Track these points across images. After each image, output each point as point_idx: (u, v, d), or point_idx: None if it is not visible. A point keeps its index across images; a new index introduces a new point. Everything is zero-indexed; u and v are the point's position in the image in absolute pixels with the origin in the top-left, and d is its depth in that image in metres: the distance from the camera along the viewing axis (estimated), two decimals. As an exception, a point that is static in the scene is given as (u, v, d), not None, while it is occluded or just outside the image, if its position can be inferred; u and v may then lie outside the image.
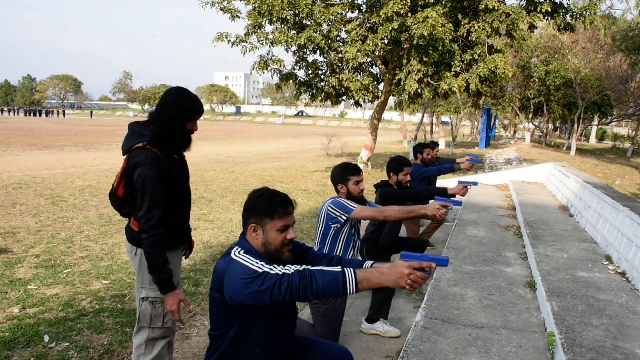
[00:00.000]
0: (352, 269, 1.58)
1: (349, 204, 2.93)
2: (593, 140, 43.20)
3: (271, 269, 1.60)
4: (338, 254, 2.98)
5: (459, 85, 10.35)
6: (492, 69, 10.01)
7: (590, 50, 21.24)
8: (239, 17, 11.47)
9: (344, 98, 12.78)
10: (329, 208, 2.96)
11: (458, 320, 3.11)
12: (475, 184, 3.88)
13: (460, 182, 3.76)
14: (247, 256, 1.68)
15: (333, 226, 2.96)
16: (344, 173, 3.05)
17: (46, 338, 3.04)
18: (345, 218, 2.92)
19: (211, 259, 4.90)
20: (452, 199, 3.19)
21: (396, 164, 3.79)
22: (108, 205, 7.34)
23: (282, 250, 1.78)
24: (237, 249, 1.74)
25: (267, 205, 1.76)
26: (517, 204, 7.36)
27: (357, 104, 12.56)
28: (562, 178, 8.21)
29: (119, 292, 3.86)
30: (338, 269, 1.58)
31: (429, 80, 10.83)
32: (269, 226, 1.75)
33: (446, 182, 9.65)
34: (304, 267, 1.60)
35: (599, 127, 42.67)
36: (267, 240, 1.76)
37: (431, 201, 3.18)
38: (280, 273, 1.58)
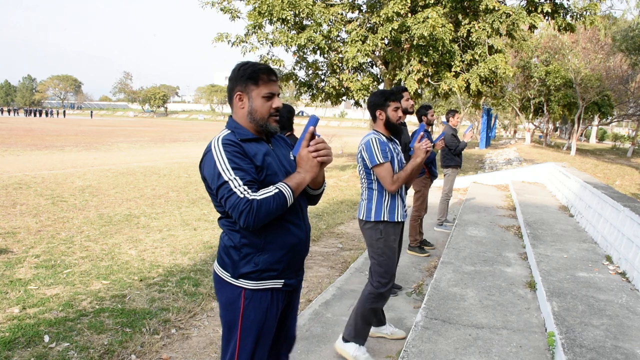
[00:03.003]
0: (287, 185, 1.69)
1: (377, 154, 2.84)
2: (593, 140, 43.21)
3: (231, 179, 1.64)
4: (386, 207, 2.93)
5: (459, 85, 10.35)
6: (493, 69, 10.01)
7: (590, 50, 21.24)
8: (239, 17, 11.48)
9: (344, 98, 12.77)
10: (362, 149, 2.92)
11: (458, 320, 3.11)
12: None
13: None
14: (223, 149, 1.68)
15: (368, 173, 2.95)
16: (384, 98, 2.91)
17: (46, 338, 3.03)
18: (368, 165, 2.88)
19: (211, 259, 4.90)
20: (416, 134, 3.08)
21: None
22: (108, 205, 7.35)
23: (268, 119, 1.78)
24: (221, 134, 1.76)
25: (251, 71, 1.75)
26: (517, 204, 7.36)
27: (357, 104, 12.56)
28: (562, 178, 8.21)
29: (119, 292, 3.86)
30: (275, 190, 1.66)
31: (429, 80, 10.84)
32: (254, 93, 1.76)
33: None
34: (253, 197, 1.62)
35: (599, 127, 42.69)
36: (252, 107, 1.76)
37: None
38: (234, 191, 1.63)
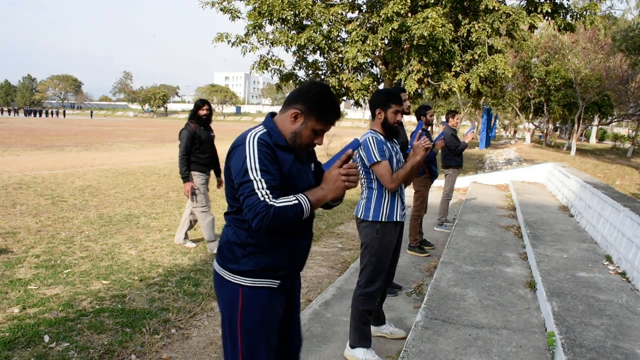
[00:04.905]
0: (307, 199, 1.66)
1: (374, 153, 2.84)
2: (593, 140, 43.19)
3: (257, 179, 1.62)
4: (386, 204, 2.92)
5: (459, 85, 10.34)
6: (492, 69, 10.00)
7: (590, 50, 21.24)
8: (239, 17, 11.47)
9: (344, 98, 12.77)
10: (360, 148, 2.91)
11: (458, 320, 3.11)
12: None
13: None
14: (257, 148, 1.67)
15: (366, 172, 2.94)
16: (386, 99, 2.90)
17: (46, 338, 3.03)
18: (367, 164, 2.88)
19: (211, 258, 4.90)
20: (415, 133, 3.11)
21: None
22: (108, 205, 7.35)
23: (304, 147, 1.79)
24: (257, 130, 1.72)
25: (322, 104, 1.74)
26: (517, 204, 7.36)
27: (357, 104, 12.55)
28: (562, 178, 8.21)
29: (119, 292, 3.86)
30: (295, 200, 1.64)
31: (429, 80, 10.83)
32: (310, 123, 1.74)
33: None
34: (272, 203, 1.60)
35: (599, 127, 42.67)
36: (300, 132, 1.75)
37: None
38: (256, 192, 1.61)
